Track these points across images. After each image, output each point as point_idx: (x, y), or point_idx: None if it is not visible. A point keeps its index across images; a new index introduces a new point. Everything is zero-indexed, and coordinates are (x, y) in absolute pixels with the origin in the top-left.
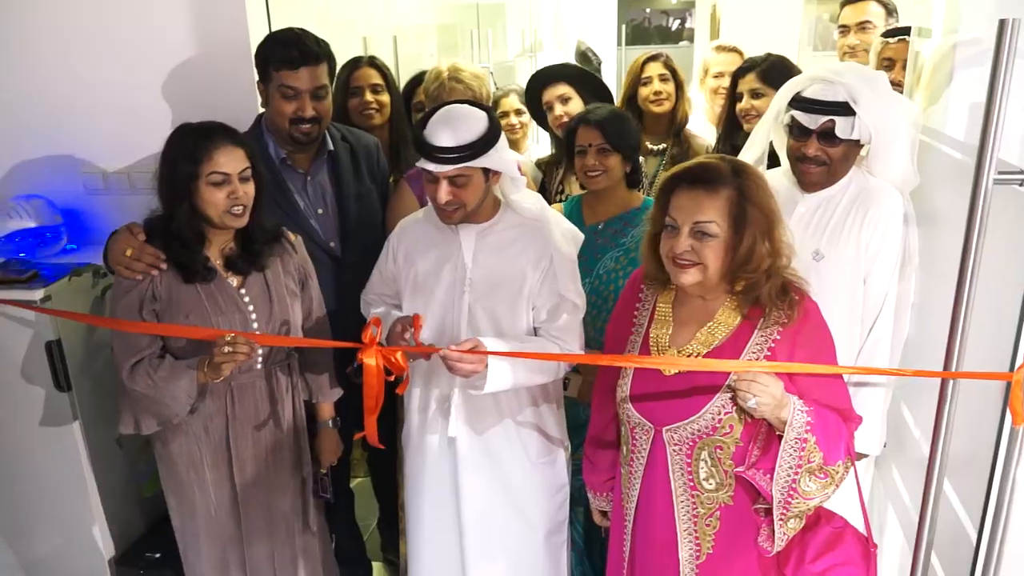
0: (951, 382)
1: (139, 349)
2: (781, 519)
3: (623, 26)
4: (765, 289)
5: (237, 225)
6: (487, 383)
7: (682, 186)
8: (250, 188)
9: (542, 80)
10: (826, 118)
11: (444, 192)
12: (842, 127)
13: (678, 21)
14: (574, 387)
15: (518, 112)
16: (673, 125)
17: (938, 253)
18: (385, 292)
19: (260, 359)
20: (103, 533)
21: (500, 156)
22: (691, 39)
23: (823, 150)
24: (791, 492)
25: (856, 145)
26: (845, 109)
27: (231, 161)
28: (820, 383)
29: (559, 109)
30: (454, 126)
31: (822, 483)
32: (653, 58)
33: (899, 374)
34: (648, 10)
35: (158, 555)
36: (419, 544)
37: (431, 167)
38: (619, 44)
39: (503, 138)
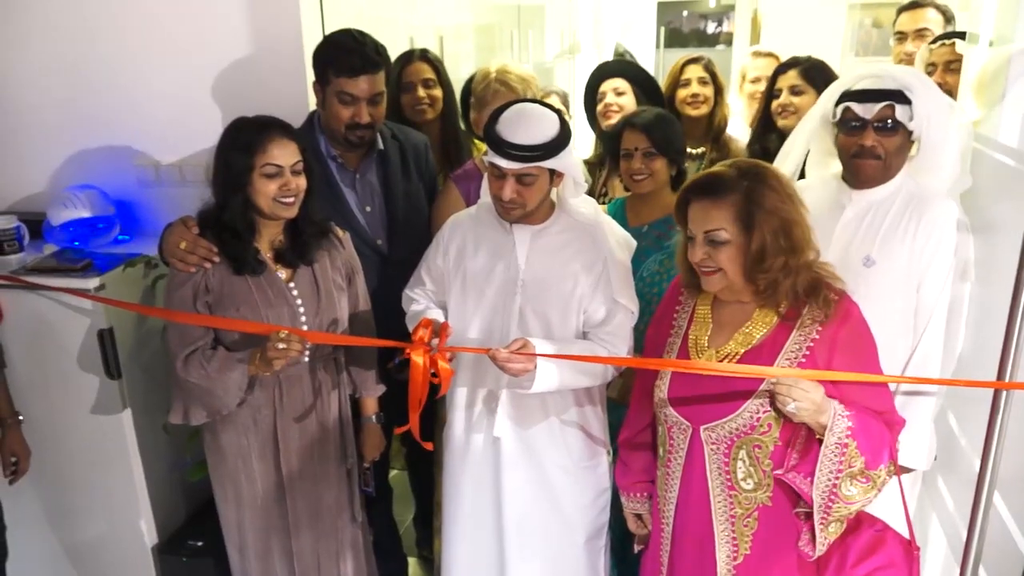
0: (1004, 393)
1: (193, 340)
2: (822, 523)
3: (661, 28)
4: (786, 285)
5: (287, 215)
6: (535, 383)
7: (692, 198)
8: (302, 181)
9: (604, 74)
10: (884, 103)
11: (510, 189)
12: (901, 112)
13: (716, 24)
14: (615, 388)
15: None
16: (711, 129)
17: (992, 262)
18: (430, 288)
19: (307, 354)
20: (147, 520)
21: (569, 160)
22: (729, 43)
23: (879, 141)
24: (832, 496)
25: (908, 140)
26: (901, 97)
27: (284, 154)
28: (861, 385)
29: (610, 98)
30: (528, 124)
31: (864, 487)
32: (694, 60)
33: (949, 383)
34: (686, 13)
35: (200, 543)
36: (456, 542)
37: (502, 163)
38: (657, 46)
39: (572, 141)
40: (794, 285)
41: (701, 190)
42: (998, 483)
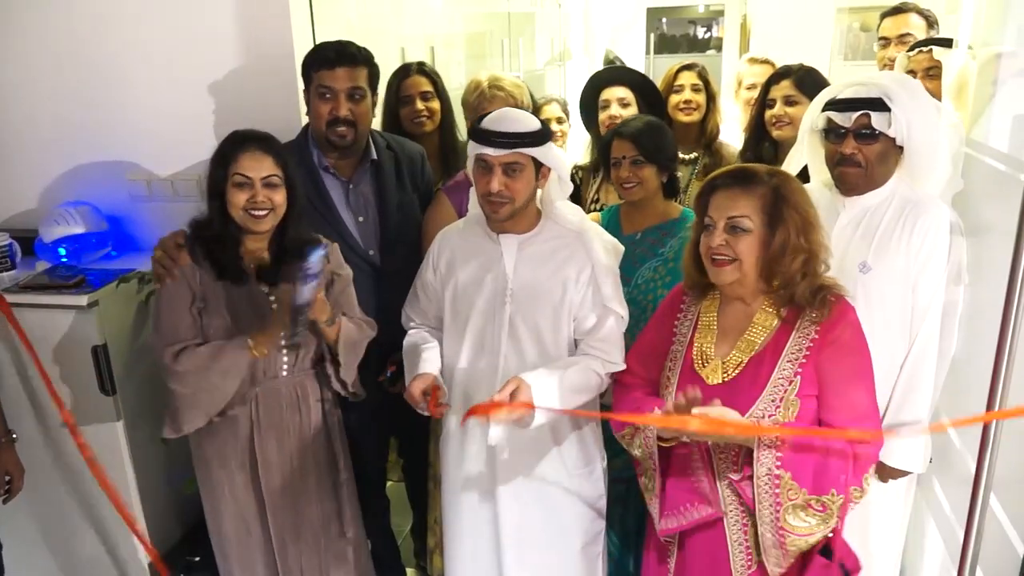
0: (998, 395)
1: (182, 338)
2: (784, 555)
3: (651, 34)
4: (800, 288)
5: (257, 228)
6: (535, 420)
7: (720, 186)
8: (276, 195)
9: (605, 80)
10: (860, 112)
11: (497, 181)
12: (877, 120)
13: (705, 29)
14: (609, 395)
15: (559, 120)
16: (704, 135)
17: (984, 264)
18: (426, 308)
19: (285, 366)
20: (143, 536)
21: (552, 153)
22: (719, 48)
23: (859, 149)
24: (781, 531)
25: (894, 147)
26: (879, 105)
27: (256, 166)
28: (843, 396)
29: (615, 109)
30: (512, 117)
31: (820, 516)
32: (688, 67)
33: (941, 424)
34: (674, 19)
35: (197, 558)
36: (455, 553)
37: (488, 151)
38: (647, 52)
39: (552, 142)
40: (805, 291)
41: (731, 178)
42: (994, 484)
